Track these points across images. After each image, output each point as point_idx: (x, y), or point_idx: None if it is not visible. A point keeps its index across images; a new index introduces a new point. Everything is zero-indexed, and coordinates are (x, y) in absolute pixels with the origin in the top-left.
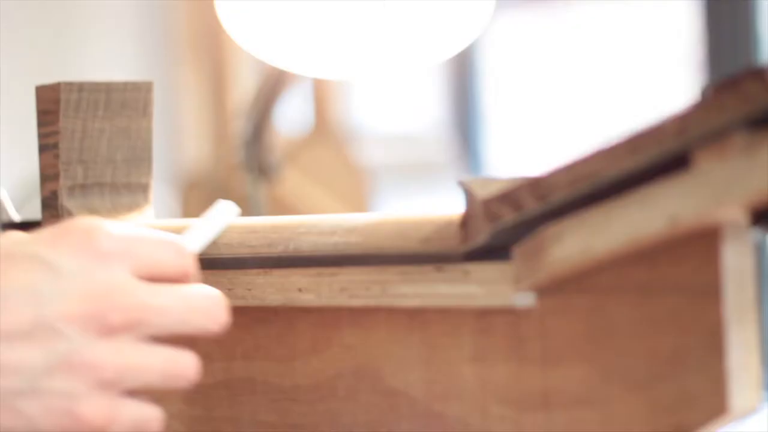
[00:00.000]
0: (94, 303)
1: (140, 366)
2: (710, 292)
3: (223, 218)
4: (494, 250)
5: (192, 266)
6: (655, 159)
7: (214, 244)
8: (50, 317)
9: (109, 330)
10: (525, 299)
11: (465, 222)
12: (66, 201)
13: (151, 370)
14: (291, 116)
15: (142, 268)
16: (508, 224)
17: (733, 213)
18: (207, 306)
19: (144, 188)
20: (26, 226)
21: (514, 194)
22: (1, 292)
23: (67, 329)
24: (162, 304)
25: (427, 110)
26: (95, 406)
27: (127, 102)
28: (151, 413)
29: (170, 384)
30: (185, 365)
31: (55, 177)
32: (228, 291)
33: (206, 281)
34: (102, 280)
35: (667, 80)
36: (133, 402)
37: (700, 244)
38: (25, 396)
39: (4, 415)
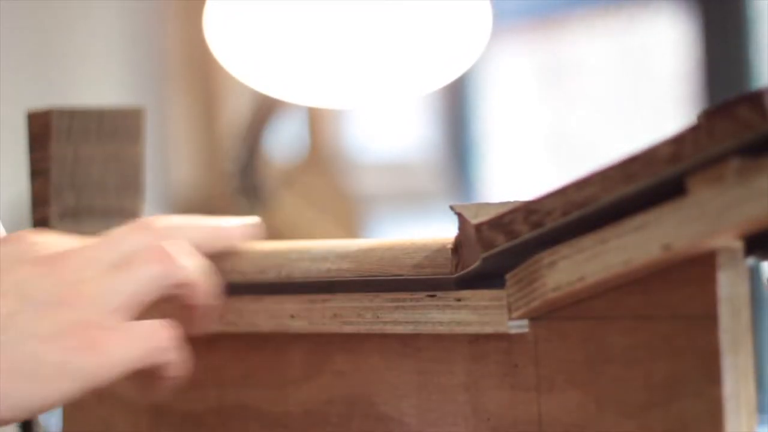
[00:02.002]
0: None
1: None
2: (705, 318)
3: None
4: (487, 277)
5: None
6: (650, 185)
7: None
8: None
9: None
10: (519, 326)
11: (458, 248)
12: (57, 227)
13: None
14: (286, 142)
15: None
16: (501, 250)
17: (728, 240)
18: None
19: (136, 214)
20: None
21: (507, 220)
22: None
23: None
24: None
25: (420, 138)
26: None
27: (119, 128)
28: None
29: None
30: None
31: (47, 202)
32: (219, 317)
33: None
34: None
35: (662, 106)
36: None
37: (696, 270)
38: None
39: None
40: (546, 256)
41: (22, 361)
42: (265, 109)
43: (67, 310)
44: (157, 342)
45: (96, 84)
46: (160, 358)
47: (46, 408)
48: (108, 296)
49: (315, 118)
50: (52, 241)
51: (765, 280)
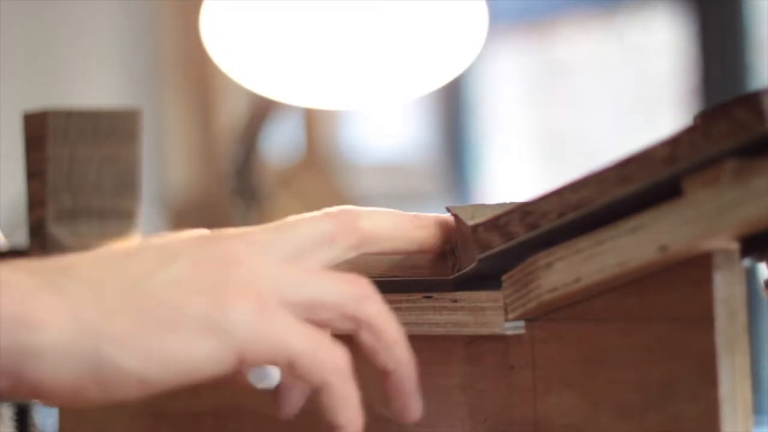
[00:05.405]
0: None
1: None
2: (702, 319)
3: None
4: (484, 278)
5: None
6: (646, 187)
7: None
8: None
9: None
10: (515, 327)
11: (454, 249)
12: (53, 228)
13: None
14: (282, 144)
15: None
16: (497, 252)
17: (725, 241)
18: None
19: (132, 215)
20: (13, 254)
21: (503, 222)
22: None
23: None
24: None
25: (416, 139)
26: None
27: (115, 129)
28: None
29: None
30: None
31: (43, 203)
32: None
33: None
34: None
35: (659, 107)
36: None
37: (692, 271)
38: None
39: None
40: (542, 258)
41: (162, 311)
42: (262, 110)
43: (235, 270)
44: (328, 356)
45: (92, 85)
46: (321, 376)
47: (192, 368)
48: (284, 281)
49: (311, 120)
50: None
51: (762, 282)
